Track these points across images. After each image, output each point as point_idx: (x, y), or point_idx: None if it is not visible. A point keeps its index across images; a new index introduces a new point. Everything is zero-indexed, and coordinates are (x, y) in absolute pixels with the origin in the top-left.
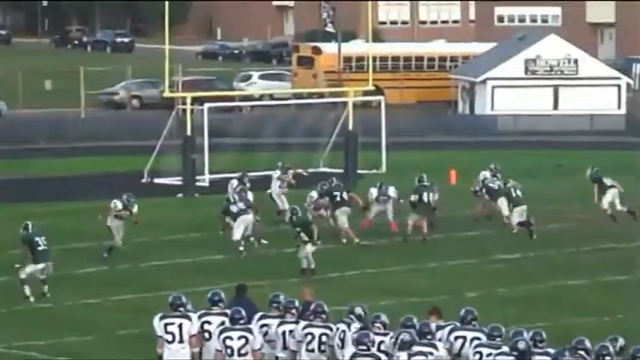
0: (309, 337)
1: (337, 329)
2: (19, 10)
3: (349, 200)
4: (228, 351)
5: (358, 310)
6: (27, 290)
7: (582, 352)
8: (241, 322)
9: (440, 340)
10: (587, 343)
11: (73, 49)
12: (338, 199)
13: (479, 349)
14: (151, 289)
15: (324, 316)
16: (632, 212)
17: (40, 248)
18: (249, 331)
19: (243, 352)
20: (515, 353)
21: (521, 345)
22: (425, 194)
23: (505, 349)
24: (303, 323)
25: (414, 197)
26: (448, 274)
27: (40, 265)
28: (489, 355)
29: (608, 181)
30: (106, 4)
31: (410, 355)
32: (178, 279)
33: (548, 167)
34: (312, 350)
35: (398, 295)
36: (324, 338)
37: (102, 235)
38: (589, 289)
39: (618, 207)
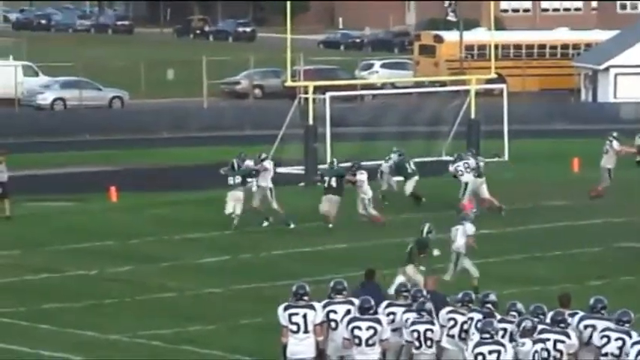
0: (452, 323)
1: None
2: (141, 1)
3: None
4: (356, 340)
5: (492, 297)
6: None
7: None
8: (370, 312)
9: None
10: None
11: (195, 39)
12: (326, 185)
13: (606, 333)
14: (273, 278)
15: (471, 305)
16: None
17: None
18: (378, 321)
19: (371, 342)
20: None
21: None
22: None
23: (634, 334)
24: (447, 308)
25: None
26: (571, 262)
27: None
28: (617, 339)
29: None
30: None
31: (533, 342)
32: (300, 268)
33: None
34: (453, 336)
35: (520, 283)
36: (465, 326)
37: (223, 225)
38: None
39: None
